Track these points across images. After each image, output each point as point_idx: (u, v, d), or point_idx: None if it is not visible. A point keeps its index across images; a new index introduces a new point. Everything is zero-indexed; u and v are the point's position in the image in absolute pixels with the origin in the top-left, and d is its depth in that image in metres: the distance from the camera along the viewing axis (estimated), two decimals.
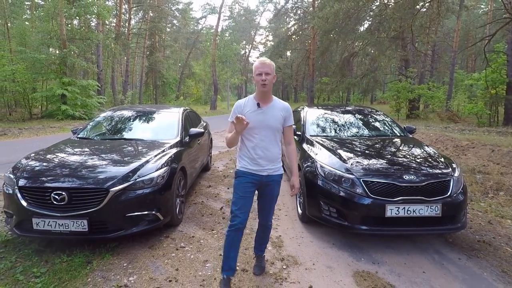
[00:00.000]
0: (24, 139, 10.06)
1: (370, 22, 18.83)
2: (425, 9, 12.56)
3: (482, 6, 35.41)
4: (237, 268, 2.58)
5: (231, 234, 2.17)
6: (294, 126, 4.53)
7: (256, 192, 2.31)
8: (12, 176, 2.87)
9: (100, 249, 2.82)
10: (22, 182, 2.74)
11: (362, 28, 20.30)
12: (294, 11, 31.54)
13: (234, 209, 2.18)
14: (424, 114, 17.94)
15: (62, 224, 2.59)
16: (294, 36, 32.64)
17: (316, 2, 26.38)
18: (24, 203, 2.66)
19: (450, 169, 3.04)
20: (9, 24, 20.77)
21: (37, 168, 2.94)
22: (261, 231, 2.44)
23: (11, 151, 7.76)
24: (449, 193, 2.82)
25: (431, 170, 3.01)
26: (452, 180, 2.90)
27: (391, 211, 2.73)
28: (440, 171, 2.99)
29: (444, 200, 2.78)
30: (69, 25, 20.23)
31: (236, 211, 2.16)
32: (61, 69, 16.98)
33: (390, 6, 13.67)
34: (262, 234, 2.45)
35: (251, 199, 2.22)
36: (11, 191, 2.75)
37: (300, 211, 3.62)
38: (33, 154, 3.33)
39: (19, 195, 2.69)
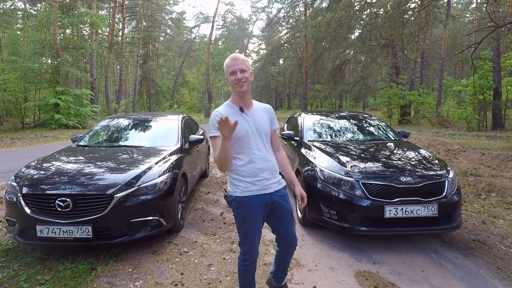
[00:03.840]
0: (17, 149, 9.94)
1: (361, 31, 19.30)
2: (413, 18, 12.96)
3: (467, 15, 36.64)
4: None
5: (249, 268, 1.92)
6: (291, 132, 4.66)
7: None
8: (14, 184, 2.87)
9: (104, 255, 2.82)
10: (25, 190, 2.75)
11: (353, 37, 20.80)
12: (286, 20, 32.08)
13: (247, 242, 1.84)
14: (416, 119, 18.32)
15: (67, 231, 2.60)
16: (286, 45, 33.15)
17: (308, 12, 26.96)
18: (27, 211, 2.67)
19: (445, 170, 3.15)
20: (0, 34, 20.66)
21: (40, 175, 2.95)
22: (287, 253, 2.05)
23: (4, 161, 7.67)
24: (444, 194, 2.93)
25: (426, 172, 3.12)
26: (447, 181, 3.01)
27: (390, 212, 2.81)
28: (435, 173, 3.10)
29: (440, 201, 2.88)
30: (62, 34, 20.24)
31: (250, 244, 1.85)
32: (54, 78, 16.91)
33: (380, 15, 14.07)
34: (287, 256, 2.07)
35: (261, 228, 1.88)
36: (14, 199, 2.76)
37: (300, 214, 3.68)
38: (34, 162, 3.34)
39: (22, 202, 2.70)
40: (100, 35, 26.96)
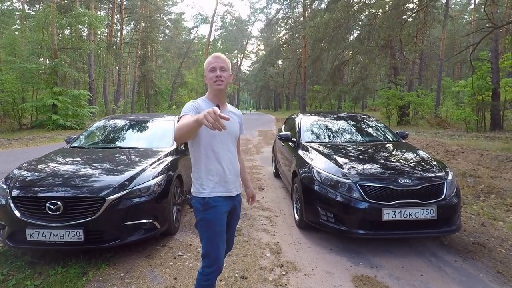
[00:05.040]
0: (14, 150, 9.87)
1: (359, 32, 19.29)
2: (412, 19, 12.93)
3: (465, 16, 36.75)
4: (236, 275, 2.56)
5: (213, 282, 1.73)
6: (289, 133, 4.61)
7: None
8: (4, 186, 2.81)
9: (96, 259, 2.76)
10: (15, 192, 2.69)
11: (352, 37, 20.76)
12: (285, 21, 32.10)
13: (213, 251, 1.68)
14: (414, 120, 18.31)
15: (57, 234, 2.53)
16: (285, 45, 33.18)
17: (306, 13, 26.96)
18: (17, 214, 2.60)
19: (444, 172, 3.10)
20: None
21: (31, 177, 2.89)
22: None
23: (1, 162, 7.59)
24: (443, 196, 2.88)
25: (425, 174, 3.07)
26: (446, 183, 2.96)
27: (388, 214, 2.76)
28: (434, 175, 3.05)
29: (439, 203, 2.83)
30: (60, 35, 20.15)
31: (216, 253, 1.68)
32: (52, 79, 16.84)
33: (379, 16, 14.04)
34: None
35: (225, 232, 1.77)
36: (3, 202, 2.69)
37: (297, 217, 3.62)
38: (26, 164, 3.28)
39: (12, 205, 2.64)
40: (99, 36, 26.90)
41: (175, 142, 4.06)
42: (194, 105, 1.69)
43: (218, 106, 1.67)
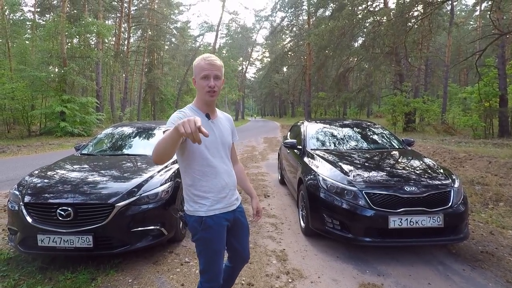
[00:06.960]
0: (23, 157, 10.05)
1: (364, 39, 19.38)
2: (417, 26, 12.98)
3: (471, 23, 36.68)
4: (243, 282, 2.57)
5: None
6: (294, 140, 4.65)
7: None
8: (17, 192, 2.88)
9: (104, 265, 2.80)
10: (27, 199, 2.76)
11: (356, 44, 20.87)
12: (290, 28, 32.46)
13: (212, 270, 1.60)
14: (420, 127, 18.18)
15: (67, 240, 2.58)
16: (290, 53, 33.45)
17: (311, 20, 27.22)
18: (29, 220, 2.66)
19: (450, 180, 3.09)
20: (10, 43, 21.10)
21: (42, 184, 2.95)
22: (238, 268, 1.90)
23: (11, 168, 7.74)
24: (450, 204, 2.87)
25: (431, 181, 3.06)
26: (452, 191, 2.95)
27: (394, 222, 2.76)
28: (440, 182, 3.04)
29: (446, 211, 2.82)
30: (69, 44, 20.63)
31: (216, 271, 1.61)
32: (60, 87, 17.18)
33: (383, 23, 14.13)
34: (237, 272, 1.92)
35: (225, 247, 1.68)
36: (16, 208, 2.76)
37: (303, 224, 3.63)
38: (37, 171, 3.36)
39: (24, 211, 2.70)
40: (106, 44, 27.41)
41: None
42: (180, 116, 1.49)
43: (208, 115, 1.61)
